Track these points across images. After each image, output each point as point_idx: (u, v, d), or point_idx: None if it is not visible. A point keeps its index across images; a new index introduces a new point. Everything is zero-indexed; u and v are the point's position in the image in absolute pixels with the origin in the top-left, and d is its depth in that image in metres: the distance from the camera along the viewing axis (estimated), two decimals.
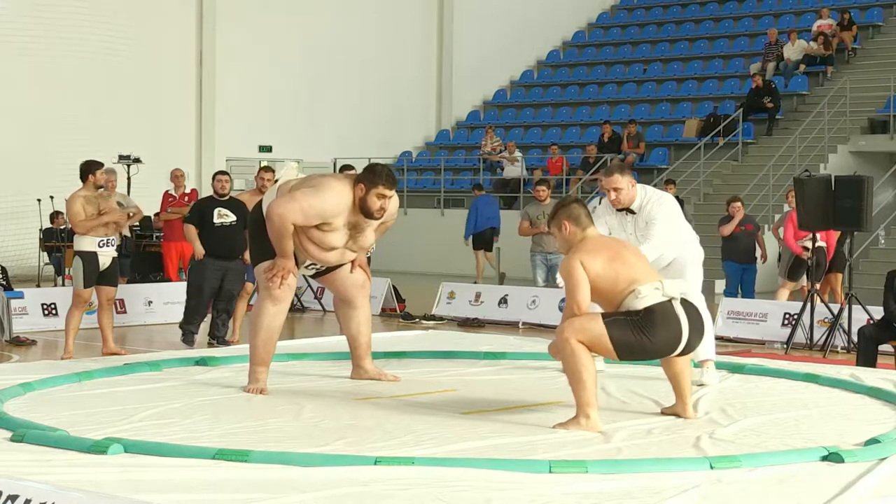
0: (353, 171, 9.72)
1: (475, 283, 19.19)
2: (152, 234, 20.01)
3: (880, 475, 5.22)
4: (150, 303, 15.75)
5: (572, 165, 24.64)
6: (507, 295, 16.51)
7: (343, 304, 7.94)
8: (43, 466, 5.13)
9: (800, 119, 23.76)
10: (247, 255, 12.44)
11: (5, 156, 22.38)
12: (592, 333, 6.22)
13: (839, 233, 15.00)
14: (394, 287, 17.37)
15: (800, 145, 22.44)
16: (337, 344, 9.02)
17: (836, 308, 13.62)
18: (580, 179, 23.54)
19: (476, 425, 6.33)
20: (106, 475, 5.00)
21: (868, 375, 8.26)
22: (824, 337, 13.28)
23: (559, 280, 7.28)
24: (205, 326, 13.07)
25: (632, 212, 7.77)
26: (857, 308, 13.11)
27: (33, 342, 13.58)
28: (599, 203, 8.06)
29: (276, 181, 7.63)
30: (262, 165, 19.08)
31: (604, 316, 6.32)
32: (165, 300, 15.74)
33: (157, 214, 19.27)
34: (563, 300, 15.01)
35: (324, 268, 7.71)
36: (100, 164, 11.67)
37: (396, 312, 16.93)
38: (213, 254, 12.55)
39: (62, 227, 19.26)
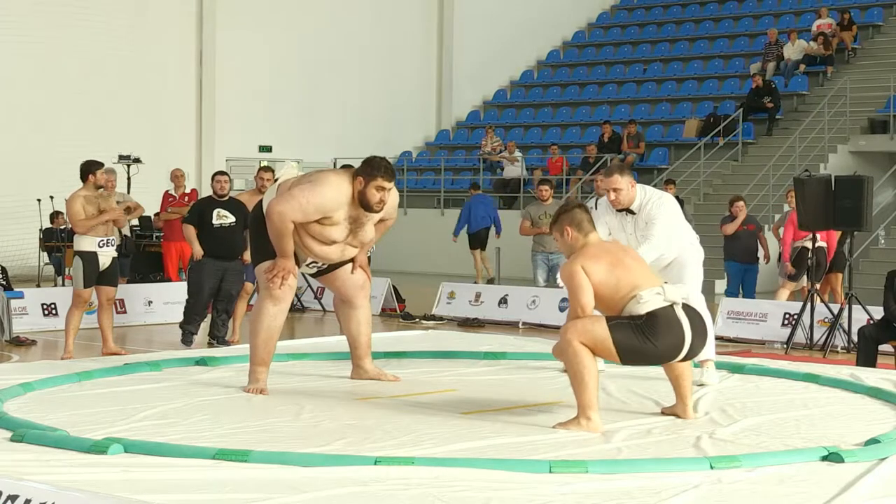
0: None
1: (475, 283, 19.21)
2: (152, 234, 20.01)
3: (880, 475, 5.22)
4: (150, 303, 15.75)
5: (572, 165, 24.64)
6: (507, 295, 16.51)
7: (343, 304, 7.94)
8: (43, 466, 5.13)
9: (800, 119, 23.76)
10: (246, 256, 12.49)
11: (5, 156, 22.38)
12: (596, 336, 6.23)
13: (839, 233, 15.00)
14: (394, 287, 17.37)
15: (800, 145, 22.44)
16: (337, 344, 9.03)
17: (836, 308, 13.62)
18: (580, 179, 23.53)
19: (476, 425, 6.33)
20: (106, 475, 5.00)
21: (868, 375, 8.26)
22: (824, 337, 13.28)
23: (560, 281, 7.28)
24: (205, 326, 13.07)
25: (631, 212, 7.76)
26: (857, 308, 13.11)
27: (33, 342, 13.58)
28: (595, 207, 8.05)
29: (277, 181, 7.63)
30: (261, 165, 19.09)
31: (607, 319, 6.32)
32: (165, 300, 15.74)
33: (157, 214, 19.27)
34: (563, 300, 15.10)
35: (325, 266, 7.70)
36: (100, 164, 11.67)
37: (396, 312, 16.94)
38: (212, 254, 12.55)
39: (62, 227, 19.26)
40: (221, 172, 13.26)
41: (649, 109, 27.10)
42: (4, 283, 14.91)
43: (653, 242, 7.60)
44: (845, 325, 13.21)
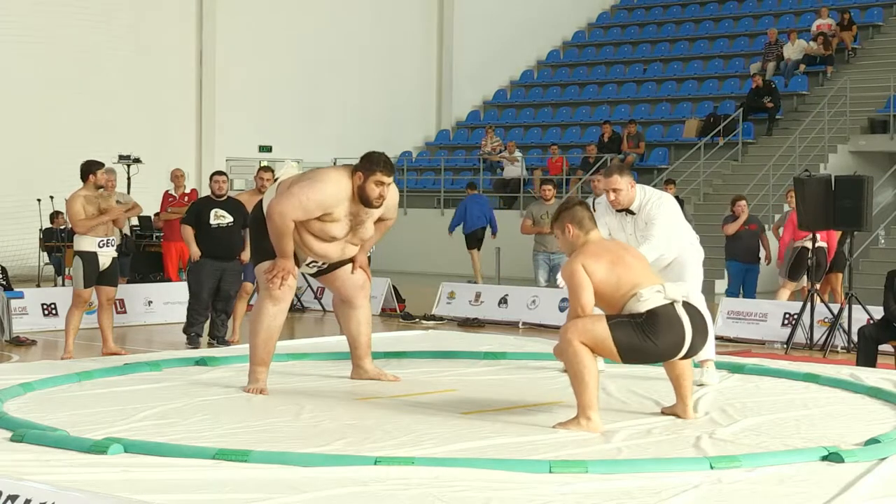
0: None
1: (474, 283, 19.21)
2: (152, 234, 20.02)
3: (880, 475, 5.22)
4: (150, 303, 15.75)
5: (572, 165, 24.64)
6: (507, 295, 16.52)
7: (343, 304, 7.94)
8: (43, 466, 5.13)
9: (800, 119, 23.76)
10: (243, 255, 12.50)
11: (5, 156, 22.38)
12: (596, 335, 6.23)
13: (840, 233, 15.00)
14: (394, 287, 17.37)
15: (800, 145, 22.44)
16: (337, 344, 9.02)
17: (836, 308, 13.62)
18: (580, 179, 23.53)
19: (476, 425, 6.33)
20: (106, 475, 5.00)
21: (868, 375, 8.25)
22: (824, 337, 13.28)
23: (560, 281, 7.28)
24: (205, 327, 13.07)
25: (631, 212, 7.76)
26: (857, 308, 13.11)
27: (33, 342, 13.58)
28: (594, 207, 8.05)
29: (276, 180, 7.62)
30: (261, 165, 19.10)
31: (608, 318, 6.32)
32: (165, 300, 15.75)
33: (157, 214, 19.28)
34: (563, 300, 15.10)
35: (325, 265, 7.70)
36: (100, 164, 11.67)
37: (396, 312, 16.94)
38: (210, 255, 12.53)
39: (62, 227, 19.26)
40: (220, 172, 13.25)
41: (649, 109, 27.10)
42: (4, 283, 14.91)
43: (652, 243, 7.59)
44: (845, 325, 13.21)
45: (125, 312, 15.26)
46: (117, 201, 12.07)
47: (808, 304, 13.73)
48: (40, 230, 20.51)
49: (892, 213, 20.73)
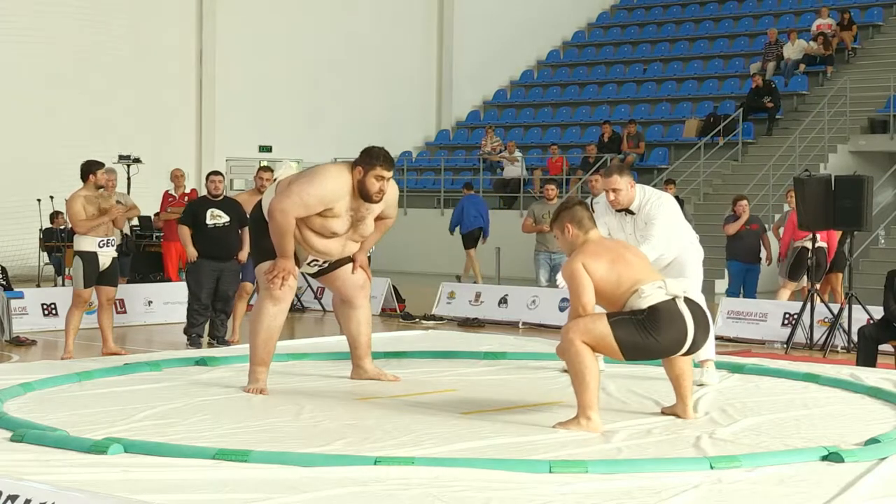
0: None
1: (475, 282, 19.22)
2: (152, 234, 20.01)
3: (880, 475, 5.22)
4: (150, 303, 15.75)
5: (572, 165, 24.64)
6: (506, 295, 16.52)
7: (343, 304, 7.94)
8: (43, 466, 5.13)
9: (800, 119, 23.76)
10: (240, 255, 12.50)
11: (5, 156, 22.39)
12: (597, 334, 6.23)
13: (840, 233, 15.00)
14: (394, 287, 17.37)
15: (800, 145, 22.44)
16: (337, 344, 9.02)
17: (836, 308, 13.62)
18: (580, 179, 23.53)
19: (476, 425, 6.33)
20: (106, 475, 5.00)
21: (868, 375, 8.25)
22: (824, 337, 13.28)
23: (559, 281, 7.28)
24: (205, 327, 13.06)
25: (631, 212, 7.76)
26: (857, 308, 13.11)
27: (33, 342, 13.58)
28: (592, 207, 8.04)
29: (276, 180, 7.62)
30: (261, 165, 19.09)
31: (608, 316, 6.32)
32: (165, 300, 15.74)
33: (157, 214, 19.27)
34: (563, 300, 15.11)
35: (325, 265, 7.70)
36: (100, 164, 11.67)
37: (396, 312, 16.94)
38: (208, 255, 12.52)
39: (62, 227, 19.26)
40: (216, 172, 13.21)
41: (649, 109, 27.09)
42: (4, 283, 14.91)
43: (652, 242, 7.59)
44: (845, 325, 13.21)
45: (125, 312, 15.26)
46: (117, 201, 12.07)
47: (808, 304, 13.73)
48: (40, 230, 20.51)
49: (892, 213, 20.73)
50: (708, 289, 13.71)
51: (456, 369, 8.45)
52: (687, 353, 6.51)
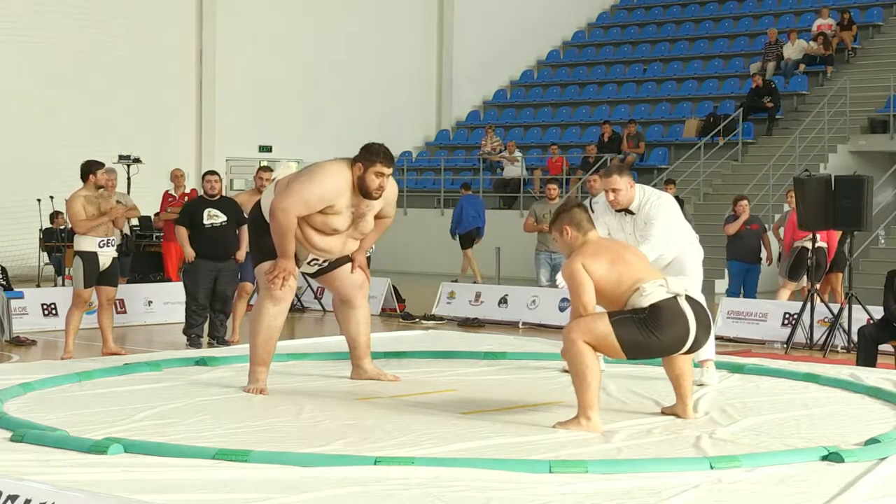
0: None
1: (475, 282, 19.22)
2: (152, 234, 20.01)
3: (880, 475, 5.22)
4: (150, 303, 15.75)
5: (572, 165, 24.64)
6: (506, 295, 16.52)
7: (342, 304, 7.94)
8: (43, 466, 5.13)
9: (800, 119, 23.76)
10: (238, 255, 12.50)
11: (5, 156, 22.39)
12: (599, 333, 6.23)
13: (840, 233, 15.00)
14: (394, 287, 17.37)
15: (800, 145, 22.44)
16: (337, 344, 9.02)
17: (836, 308, 13.62)
18: (580, 179, 23.53)
19: (476, 425, 6.33)
20: (106, 475, 5.00)
21: (868, 375, 8.25)
22: (824, 337, 13.28)
23: (559, 281, 7.28)
24: (205, 327, 13.06)
25: (630, 212, 7.76)
26: (857, 308, 13.11)
27: (33, 342, 13.58)
28: (591, 207, 8.04)
29: (274, 180, 7.62)
30: (261, 165, 19.09)
31: (610, 315, 6.32)
32: (165, 300, 15.74)
33: (157, 214, 19.27)
34: (563, 300, 15.10)
35: (325, 263, 7.70)
36: (100, 164, 11.67)
37: (396, 312, 16.94)
38: (205, 255, 12.50)
39: (62, 227, 19.26)
40: (211, 172, 13.18)
41: (649, 109, 27.10)
42: (4, 283, 14.91)
43: (652, 242, 7.59)
44: (845, 325, 13.21)
45: (125, 312, 15.26)
46: (117, 201, 12.07)
47: (808, 304, 13.73)
48: (40, 230, 20.51)
49: (892, 213, 20.74)
50: (708, 289, 13.71)
51: (456, 369, 8.45)
52: (689, 352, 6.52)
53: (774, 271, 16.92)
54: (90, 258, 11.49)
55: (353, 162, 7.32)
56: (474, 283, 19.23)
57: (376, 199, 7.37)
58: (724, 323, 14.42)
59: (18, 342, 13.39)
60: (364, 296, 7.93)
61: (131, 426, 6.17)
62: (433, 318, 16.54)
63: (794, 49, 25.68)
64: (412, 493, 4.80)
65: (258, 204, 7.66)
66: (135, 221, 19.64)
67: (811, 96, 24.80)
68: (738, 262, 16.51)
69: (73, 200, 11.52)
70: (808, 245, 14.77)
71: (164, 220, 18.02)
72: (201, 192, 13.19)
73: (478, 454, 5.56)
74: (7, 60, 22.76)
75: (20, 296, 14.51)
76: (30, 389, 7.18)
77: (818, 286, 14.38)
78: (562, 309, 15.32)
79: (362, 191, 7.30)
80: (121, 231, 15.01)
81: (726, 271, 17.22)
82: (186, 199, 17.29)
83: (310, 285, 17.41)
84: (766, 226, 17.33)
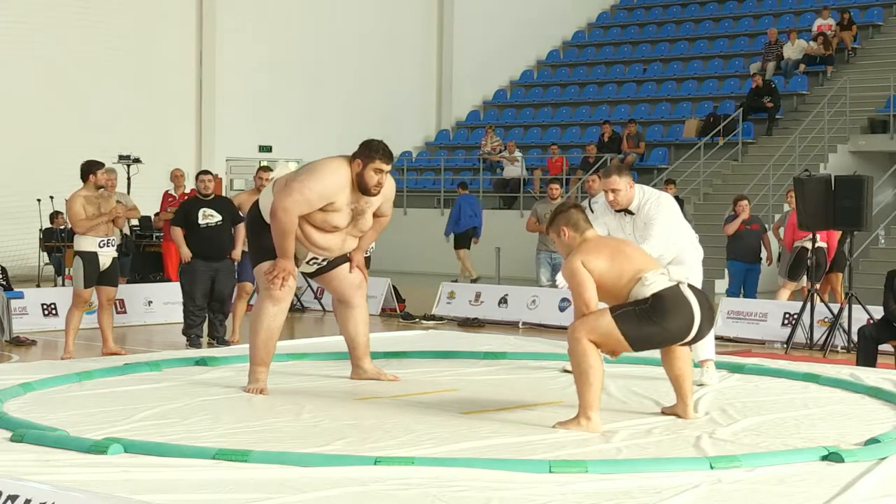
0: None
1: (472, 280, 19.22)
2: (152, 234, 20.01)
3: (880, 475, 5.22)
4: (150, 303, 15.75)
5: (572, 165, 24.64)
6: (506, 295, 16.51)
7: (340, 304, 7.95)
8: (43, 466, 5.13)
9: (800, 119, 23.76)
10: (234, 254, 12.50)
11: (5, 156, 22.39)
12: (603, 330, 6.24)
13: (840, 233, 15.00)
14: (394, 287, 17.37)
15: (800, 145, 22.43)
16: (337, 344, 9.01)
17: (836, 308, 13.62)
18: (580, 179, 23.52)
19: (476, 425, 6.33)
20: (106, 475, 5.00)
21: (868, 375, 8.25)
22: (824, 337, 13.28)
23: (559, 281, 7.27)
24: (204, 327, 13.06)
25: (630, 212, 7.76)
26: (857, 308, 13.11)
27: (33, 342, 13.58)
28: (591, 208, 8.03)
29: (272, 180, 7.62)
30: (261, 165, 19.08)
31: (612, 310, 6.32)
32: (165, 300, 15.73)
33: (157, 214, 19.26)
34: (563, 300, 15.10)
35: (324, 262, 7.69)
36: (100, 164, 11.67)
37: (396, 312, 16.94)
38: (202, 255, 12.48)
39: (62, 227, 19.26)
40: (205, 172, 13.17)
41: (649, 109, 27.09)
42: (4, 283, 14.91)
43: (651, 242, 7.59)
44: (845, 325, 13.21)
45: (125, 312, 15.26)
46: (117, 201, 12.07)
47: (808, 304, 13.73)
48: (40, 230, 20.50)
49: (892, 213, 20.73)
50: (708, 289, 13.71)
51: (456, 369, 8.45)
52: (694, 339, 6.48)
53: (774, 271, 16.92)
54: (90, 258, 11.49)
55: (351, 158, 7.33)
56: (472, 281, 19.24)
57: (374, 195, 7.38)
58: (724, 323, 14.42)
59: (18, 342, 13.39)
60: (362, 295, 7.94)
61: (131, 426, 6.17)
62: (433, 318, 16.53)
63: (794, 49, 25.68)
64: (412, 493, 4.80)
65: (256, 204, 7.66)
66: (135, 221, 19.63)
67: (811, 96, 24.79)
68: (738, 262, 16.51)
69: (72, 200, 11.52)
70: (808, 245, 14.77)
71: (163, 220, 18.01)
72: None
73: (478, 454, 5.56)
74: (7, 60, 22.75)
75: (20, 296, 14.51)
76: (30, 389, 7.18)
77: (818, 286, 14.38)
78: (562, 309, 15.33)
79: (361, 187, 7.31)
80: (121, 231, 15.01)
81: (726, 271, 17.21)
82: (186, 198, 17.28)
83: (310, 285, 17.41)
84: (766, 226, 17.33)
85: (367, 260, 8.09)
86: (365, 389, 7.52)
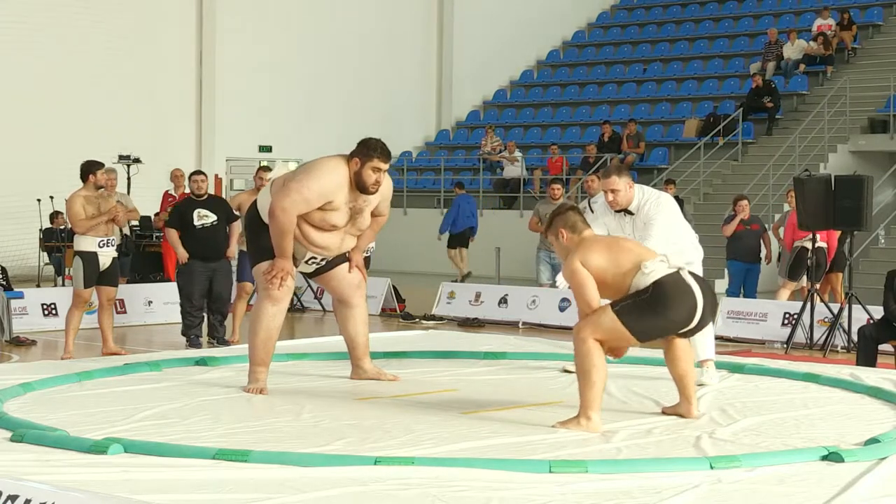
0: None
1: (465, 276, 19.22)
2: (152, 234, 20.01)
3: (880, 475, 5.22)
4: (150, 303, 15.75)
5: (572, 165, 24.64)
6: (506, 295, 16.51)
7: (340, 304, 7.95)
8: (43, 466, 5.13)
9: (800, 119, 23.76)
10: (229, 252, 12.50)
11: (5, 156, 22.39)
12: (606, 326, 6.24)
13: (840, 232, 15.00)
14: (394, 287, 17.37)
15: (800, 145, 22.44)
16: (337, 344, 9.01)
17: (836, 308, 13.62)
18: (580, 179, 23.52)
19: (476, 425, 6.33)
20: (106, 475, 5.00)
21: (868, 375, 8.25)
22: (824, 337, 13.28)
23: (558, 281, 7.27)
24: (204, 328, 13.05)
25: (630, 213, 7.76)
26: (857, 308, 13.11)
27: (33, 342, 13.58)
28: (590, 208, 8.02)
29: (270, 181, 7.62)
30: (261, 165, 19.09)
31: (613, 305, 6.32)
32: (165, 300, 15.73)
33: (157, 214, 19.27)
34: (563, 300, 15.10)
35: (323, 262, 7.70)
36: (100, 165, 11.67)
37: (396, 312, 16.94)
38: (199, 256, 12.46)
39: (62, 227, 19.26)
40: (198, 172, 13.14)
41: (649, 109, 27.09)
42: (4, 283, 14.91)
43: (651, 242, 7.57)
44: (845, 325, 13.21)
45: (125, 312, 15.26)
46: (118, 202, 12.06)
47: (808, 304, 13.73)
48: (40, 230, 20.51)
49: (892, 213, 20.73)
50: None
51: (456, 369, 8.45)
52: (698, 325, 6.45)
53: (774, 271, 16.92)
54: (90, 258, 11.49)
55: (349, 157, 7.34)
56: (464, 277, 19.25)
57: (372, 193, 7.39)
58: (724, 323, 14.42)
59: (18, 342, 13.39)
60: (362, 295, 7.94)
61: (131, 426, 6.17)
62: (433, 318, 16.54)
63: (794, 49, 25.68)
64: (412, 493, 4.80)
65: (255, 204, 7.66)
66: (135, 221, 19.63)
67: (811, 96, 24.79)
68: (737, 261, 16.50)
69: (72, 200, 11.52)
70: (808, 245, 14.77)
71: (163, 221, 18.00)
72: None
73: (478, 454, 5.56)
74: (7, 61, 22.75)
75: (20, 296, 14.51)
76: (30, 389, 7.18)
77: (818, 286, 14.38)
78: (562, 309, 15.34)
79: (359, 186, 7.32)
80: (121, 231, 15.01)
81: (726, 271, 17.22)
82: (179, 200, 17.27)
83: (310, 285, 17.41)
84: (767, 226, 17.33)
85: (367, 260, 8.09)
86: (365, 389, 7.52)
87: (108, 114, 23.83)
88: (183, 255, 12.50)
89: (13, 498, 4.46)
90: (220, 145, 26.00)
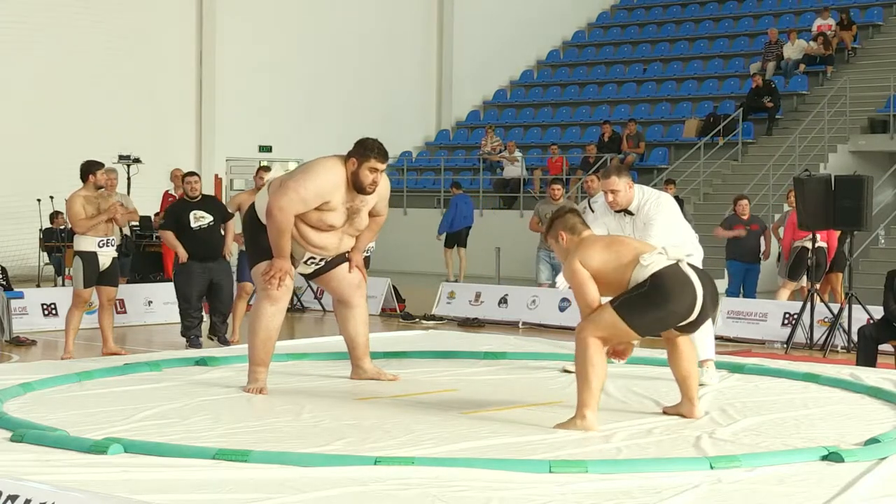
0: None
1: (452, 280, 19.22)
2: (152, 234, 19.99)
3: (880, 475, 5.22)
4: (150, 303, 15.76)
5: (572, 165, 24.64)
6: (506, 295, 16.52)
7: (340, 304, 7.95)
8: (43, 466, 5.13)
9: (800, 119, 23.76)
10: (225, 250, 12.50)
11: (5, 156, 22.38)
12: (606, 323, 6.24)
13: (840, 232, 15.00)
14: (394, 287, 17.37)
15: (800, 145, 22.44)
16: (337, 344, 9.01)
17: (836, 308, 13.62)
18: (580, 179, 23.52)
19: (476, 425, 6.33)
20: (106, 475, 5.00)
21: (868, 375, 8.25)
22: (824, 337, 13.29)
23: (558, 281, 7.26)
24: (204, 328, 13.05)
25: (630, 213, 7.76)
26: (857, 308, 13.12)
27: (33, 342, 13.58)
28: (590, 208, 8.02)
29: (267, 182, 7.62)
30: (261, 165, 19.09)
31: (612, 302, 6.31)
32: (165, 300, 15.71)
33: (157, 214, 19.26)
34: (563, 300, 15.10)
35: (322, 262, 7.70)
36: (100, 165, 11.67)
37: (396, 312, 16.94)
38: (197, 257, 12.44)
39: (62, 227, 19.26)
40: (191, 173, 13.10)
41: (649, 109, 27.09)
42: (4, 283, 14.92)
43: (651, 243, 7.58)
44: (845, 325, 13.21)
45: (125, 312, 15.26)
46: (118, 202, 12.06)
47: (808, 304, 13.74)
48: (40, 230, 20.51)
49: (892, 213, 20.73)
50: None
51: (456, 369, 8.45)
52: (699, 317, 6.44)
53: (774, 271, 16.92)
54: (90, 258, 11.49)
55: (346, 157, 7.34)
56: (454, 280, 19.26)
57: (370, 193, 7.39)
58: (724, 323, 14.43)
59: (18, 342, 13.40)
60: (362, 295, 7.94)
61: (131, 426, 6.17)
62: (433, 318, 16.54)
63: (794, 49, 25.68)
64: (412, 493, 4.80)
65: (253, 206, 7.66)
66: (135, 222, 19.64)
67: (811, 96, 24.79)
68: (737, 261, 16.51)
69: (72, 200, 11.52)
70: (808, 245, 14.77)
71: (158, 224, 17.99)
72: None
73: (478, 454, 5.56)
74: (7, 61, 22.75)
75: (20, 296, 14.52)
76: (30, 389, 7.18)
77: (818, 286, 14.38)
78: (562, 309, 15.34)
79: (356, 186, 7.32)
80: (121, 231, 15.00)
81: (726, 271, 17.22)
82: (173, 202, 17.25)
83: (310, 285, 17.40)
84: (767, 225, 17.34)
85: (367, 260, 8.09)
86: (365, 389, 7.52)
87: (108, 114, 23.83)
88: (183, 254, 12.48)
89: (13, 498, 4.46)
90: (220, 145, 26.00)
